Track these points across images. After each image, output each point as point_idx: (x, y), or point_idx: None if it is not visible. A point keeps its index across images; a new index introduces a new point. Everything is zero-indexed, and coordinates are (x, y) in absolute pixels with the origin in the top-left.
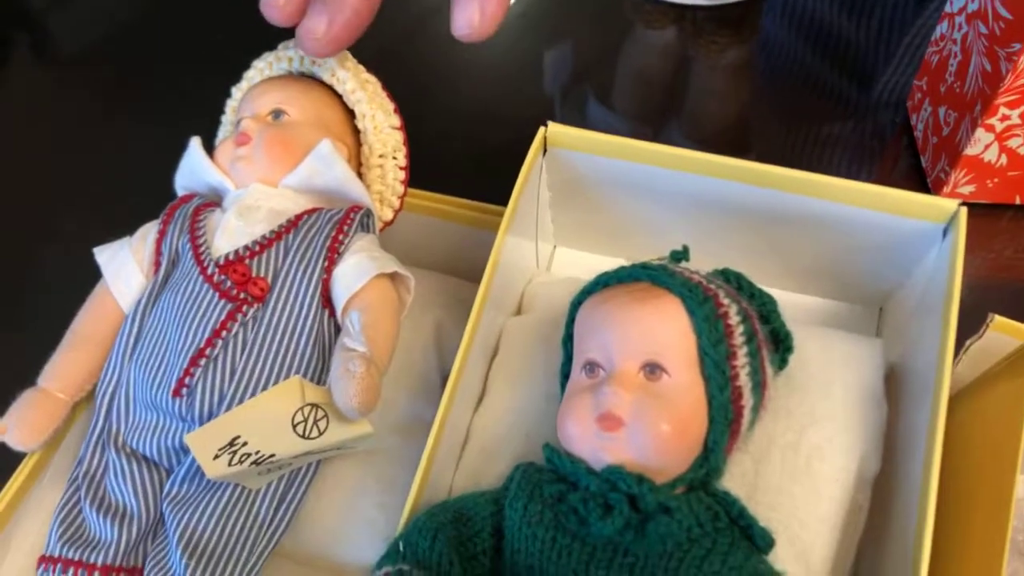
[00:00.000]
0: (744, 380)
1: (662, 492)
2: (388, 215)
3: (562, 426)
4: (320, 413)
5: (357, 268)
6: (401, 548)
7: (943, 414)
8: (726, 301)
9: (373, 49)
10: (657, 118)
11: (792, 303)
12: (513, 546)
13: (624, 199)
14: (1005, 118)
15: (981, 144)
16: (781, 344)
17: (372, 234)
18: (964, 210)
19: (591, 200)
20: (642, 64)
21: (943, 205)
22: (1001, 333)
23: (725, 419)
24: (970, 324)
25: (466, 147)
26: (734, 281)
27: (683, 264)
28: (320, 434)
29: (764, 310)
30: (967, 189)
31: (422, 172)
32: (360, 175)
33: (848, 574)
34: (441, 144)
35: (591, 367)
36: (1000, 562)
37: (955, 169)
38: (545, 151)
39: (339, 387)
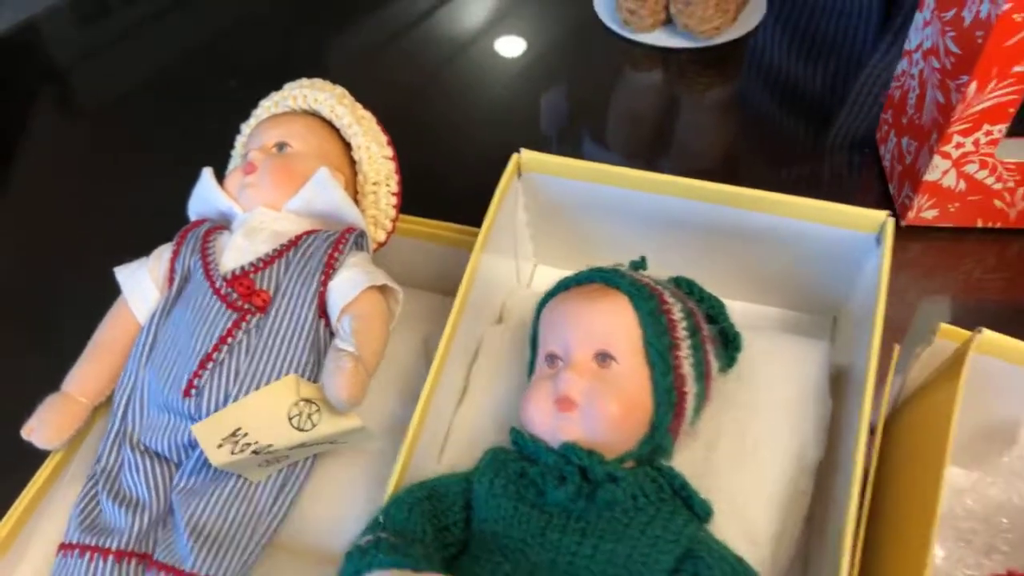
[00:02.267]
0: (687, 369)
1: (611, 465)
2: (381, 236)
3: (525, 409)
4: (313, 407)
5: (350, 281)
6: (381, 519)
7: (868, 406)
8: (670, 300)
9: (380, 101)
10: (648, 155)
11: (754, 313)
12: (480, 516)
13: (596, 220)
14: (959, 145)
15: (939, 170)
16: (730, 343)
17: (365, 252)
18: (891, 220)
19: (566, 221)
20: (632, 104)
21: (873, 216)
22: (948, 340)
23: (668, 402)
24: None
25: (466, 184)
26: (685, 286)
27: (642, 272)
28: (314, 426)
29: (712, 312)
30: (930, 214)
31: (422, 204)
32: (356, 201)
33: (793, 552)
34: (441, 180)
35: (551, 359)
36: (927, 543)
37: (918, 195)
38: (520, 175)
39: (329, 382)
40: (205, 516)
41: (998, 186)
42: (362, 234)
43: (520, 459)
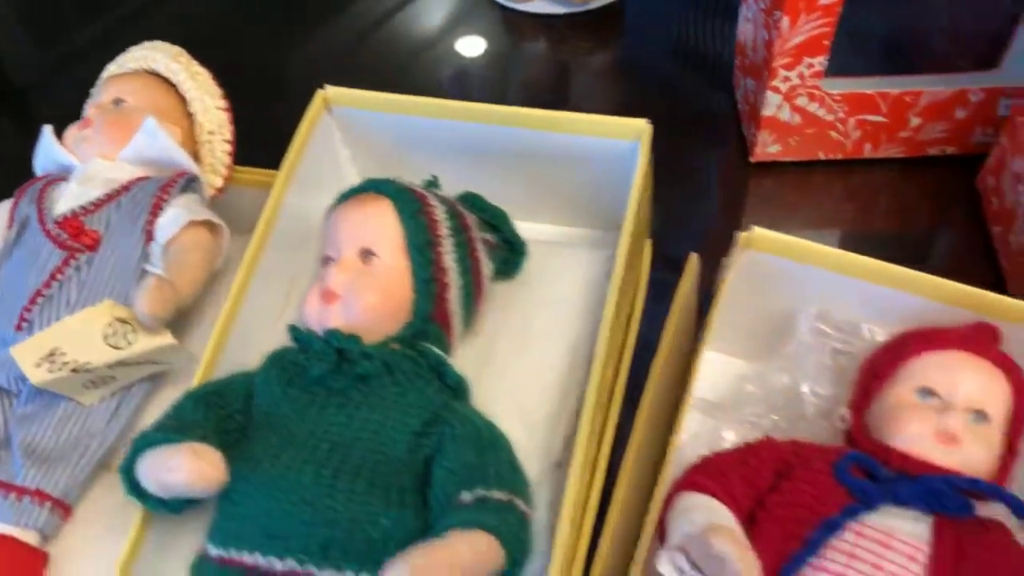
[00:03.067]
0: (449, 264)
1: (370, 347)
2: (218, 183)
3: (300, 307)
4: (128, 327)
5: (174, 218)
6: (171, 411)
7: (613, 295)
8: (434, 203)
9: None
10: None
11: (561, 233)
12: (257, 402)
13: (414, 153)
14: (786, 80)
15: (773, 105)
16: (515, 250)
17: (196, 195)
18: (649, 128)
19: (389, 157)
20: (525, 75)
21: (632, 124)
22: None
23: (428, 292)
24: None
25: None
26: (469, 199)
27: (433, 189)
28: (129, 345)
29: (495, 221)
30: (775, 148)
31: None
32: (195, 152)
33: (570, 434)
34: None
35: (327, 261)
36: (679, 417)
37: (760, 131)
38: (331, 111)
39: (136, 299)
40: (38, 436)
41: (830, 117)
42: (193, 178)
43: (297, 352)
